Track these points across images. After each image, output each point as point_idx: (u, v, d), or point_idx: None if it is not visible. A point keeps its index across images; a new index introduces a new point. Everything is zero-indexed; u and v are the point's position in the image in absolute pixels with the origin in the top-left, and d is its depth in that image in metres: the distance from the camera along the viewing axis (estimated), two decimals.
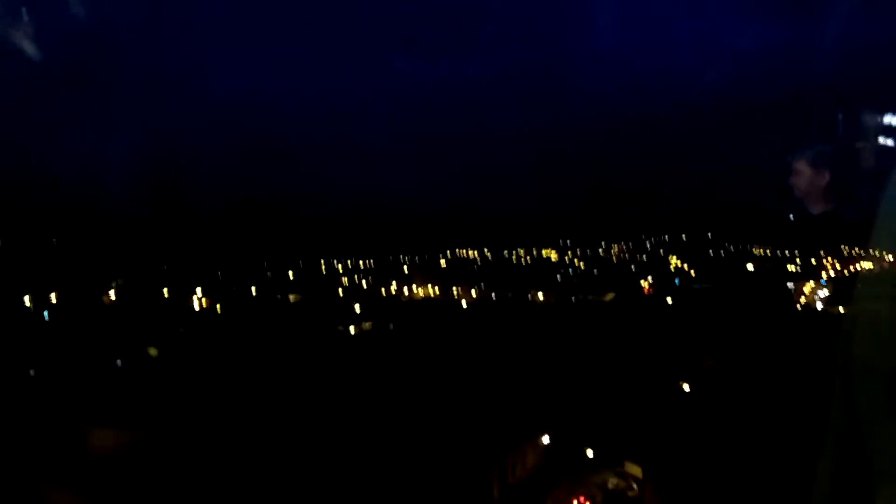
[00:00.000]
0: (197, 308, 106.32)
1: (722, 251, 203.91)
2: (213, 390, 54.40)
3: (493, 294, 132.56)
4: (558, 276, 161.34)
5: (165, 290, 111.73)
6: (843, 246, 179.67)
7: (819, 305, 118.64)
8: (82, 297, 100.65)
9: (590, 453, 46.76)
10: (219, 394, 53.01)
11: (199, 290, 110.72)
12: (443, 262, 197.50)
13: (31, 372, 62.58)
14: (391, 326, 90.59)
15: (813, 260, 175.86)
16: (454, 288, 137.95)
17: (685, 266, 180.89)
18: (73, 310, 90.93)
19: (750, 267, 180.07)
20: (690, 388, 59.68)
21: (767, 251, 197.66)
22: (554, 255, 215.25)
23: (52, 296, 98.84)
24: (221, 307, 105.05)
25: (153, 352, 71.86)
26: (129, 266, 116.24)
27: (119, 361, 67.32)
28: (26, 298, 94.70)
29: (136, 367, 66.20)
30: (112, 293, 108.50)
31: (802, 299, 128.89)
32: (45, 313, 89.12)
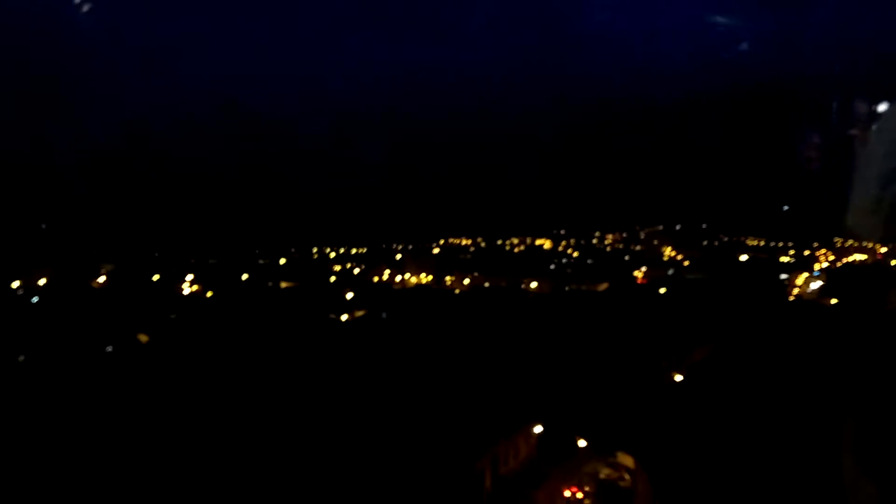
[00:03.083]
0: (188, 294, 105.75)
1: (716, 242, 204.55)
2: (203, 377, 54.14)
3: (486, 283, 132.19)
4: (552, 265, 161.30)
5: (156, 275, 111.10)
6: (836, 238, 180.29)
7: (811, 297, 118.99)
8: (72, 281, 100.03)
9: (582, 443, 46.71)
10: (208, 381, 52.76)
11: (190, 276, 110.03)
12: (436, 249, 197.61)
13: (20, 357, 62.02)
14: (383, 315, 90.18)
15: (806, 251, 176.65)
16: (447, 276, 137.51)
17: (679, 256, 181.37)
18: (63, 294, 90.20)
19: (744, 257, 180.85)
20: (682, 378, 59.76)
21: (761, 242, 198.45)
22: (548, 244, 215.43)
23: (41, 281, 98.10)
24: (213, 294, 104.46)
25: (143, 338, 71.24)
26: (119, 250, 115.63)
27: (109, 347, 66.70)
28: (15, 283, 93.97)
29: (126, 354, 65.61)
30: (102, 278, 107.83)
31: (795, 290, 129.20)
32: (34, 298, 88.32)
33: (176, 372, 56.96)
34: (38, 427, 41.04)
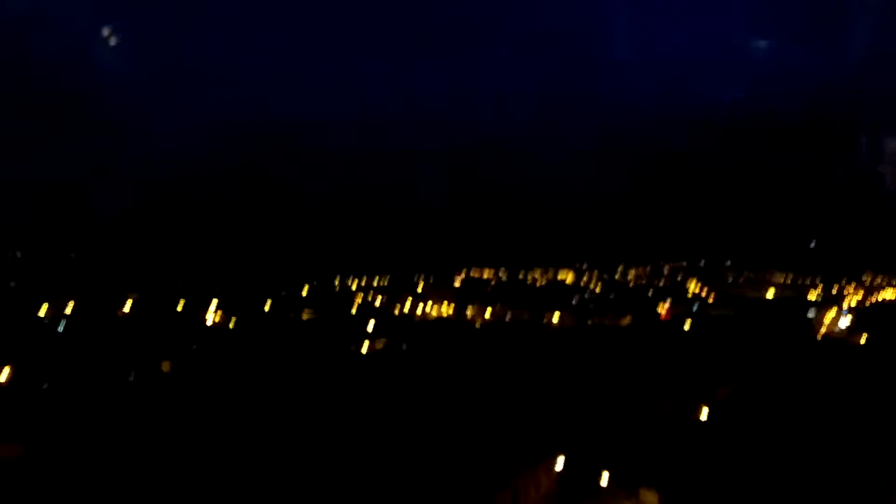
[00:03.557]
0: (210, 323, 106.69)
1: (741, 279, 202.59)
2: (225, 407, 54.44)
3: (507, 315, 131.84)
4: (574, 299, 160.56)
5: (180, 304, 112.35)
6: (865, 274, 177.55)
7: (840, 335, 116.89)
8: (98, 309, 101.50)
9: (605, 478, 46.01)
10: (229, 410, 53.05)
11: (213, 305, 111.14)
12: (457, 281, 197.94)
13: (45, 385, 62.87)
14: (404, 346, 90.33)
15: (834, 288, 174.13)
16: (468, 308, 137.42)
17: (703, 292, 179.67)
18: (88, 322, 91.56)
19: (770, 294, 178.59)
20: (708, 415, 58.83)
21: (788, 278, 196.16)
22: (570, 278, 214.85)
23: (68, 308, 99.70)
24: (235, 323, 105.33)
25: (166, 366, 72.02)
26: (144, 279, 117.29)
27: (132, 375, 67.44)
28: (42, 310, 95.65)
29: (148, 382, 66.31)
30: (127, 307, 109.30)
31: (823, 328, 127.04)
32: (61, 326, 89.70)
33: (197, 401, 57.36)
34: (60, 453, 41.42)
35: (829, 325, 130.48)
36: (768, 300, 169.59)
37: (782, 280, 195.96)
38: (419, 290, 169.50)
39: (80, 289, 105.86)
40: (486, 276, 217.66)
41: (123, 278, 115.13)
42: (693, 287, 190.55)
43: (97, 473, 37.29)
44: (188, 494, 34.30)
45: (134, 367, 69.31)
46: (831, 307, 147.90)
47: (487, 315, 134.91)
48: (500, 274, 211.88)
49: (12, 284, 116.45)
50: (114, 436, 45.29)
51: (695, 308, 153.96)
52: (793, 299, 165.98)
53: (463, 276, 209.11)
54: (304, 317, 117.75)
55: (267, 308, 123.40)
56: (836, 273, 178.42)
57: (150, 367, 70.75)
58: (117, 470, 37.98)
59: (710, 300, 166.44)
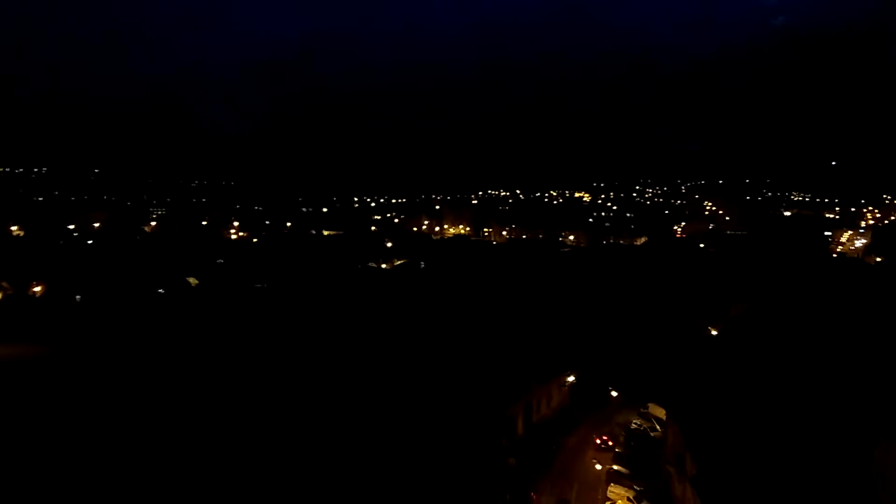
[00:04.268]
0: (234, 239, 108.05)
1: (759, 197, 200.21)
2: (248, 321, 55.92)
3: (523, 234, 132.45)
4: (590, 218, 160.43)
5: (204, 221, 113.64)
6: (884, 195, 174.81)
7: (855, 253, 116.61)
8: (124, 225, 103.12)
9: (614, 394, 47.64)
10: (253, 326, 54.51)
11: (236, 223, 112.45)
12: (474, 200, 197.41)
13: (77, 297, 64.75)
14: (422, 264, 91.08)
15: (852, 208, 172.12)
16: (485, 227, 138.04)
17: (720, 211, 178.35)
18: (116, 238, 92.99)
19: (787, 213, 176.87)
20: (718, 332, 59.75)
21: (807, 197, 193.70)
22: (587, 197, 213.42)
23: (96, 224, 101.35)
24: (257, 240, 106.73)
25: (193, 281, 73.35)
26: (170, 196, 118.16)
27: (161, 290, 68.96)
28: (71, 226, 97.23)
29: (176, 296, 67.67)
30: (153, 223, 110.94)
31: (839, 248, 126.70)
32: (89, 241, 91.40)
33: (222, 315, 58.81)
34: (93, 365, 43.23)
35: (845, 244, 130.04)
36: (786, 218, 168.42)
37: (800, 199, 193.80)
38: (436, 208, 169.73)
39: (108, 204, 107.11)
40: (502, 194, 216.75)
41: (148, 194, 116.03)
42: (710, 206, 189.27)
43: (134, 384, 39.20)
44: (222, 406, 36.00)
45: (163, 281, 71.00)
46: (848, 227, 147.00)
47: (504, 233, 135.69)
48: (517, 193, 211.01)
49: (40, 199, 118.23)
50: (143, 348, 47.17)
51: (711, 227, 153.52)
52: (810, 218, 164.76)
53: (480, 194, 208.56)
54: (325, 234, 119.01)
55: (288, 225, 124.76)
56: (856, 193, 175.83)
57: (178, 281, 72.32)
58: (152, 381, 39.85)
59: (727, 219, 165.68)
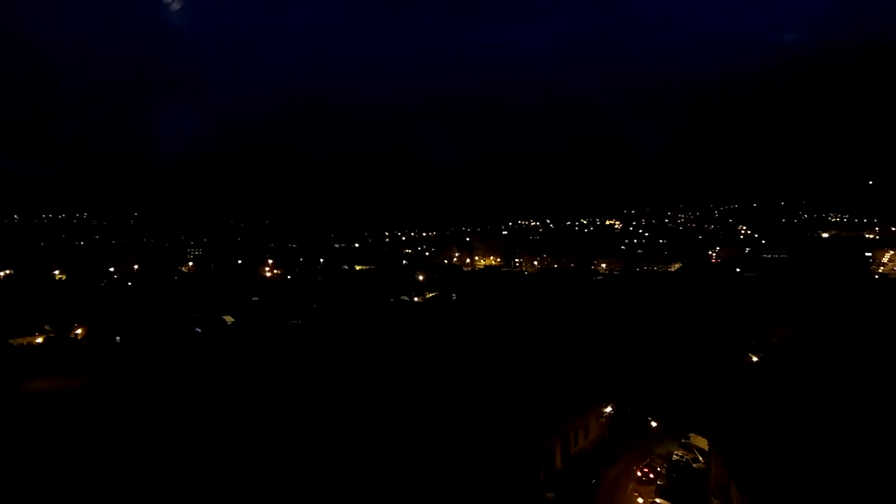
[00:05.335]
0: (269, 277, 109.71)
1: (795, 219, 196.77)
2: (283, 356, 56.51)
3: (555, 263, 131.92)
4: (623, 245, 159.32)
5: (239, 260, 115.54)
6: None
7: None
8: (162, 266, 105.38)
9: (654, 424, 46.65)
10: (288, 360, 55.07)
11: (270, 261, 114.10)
12: (504, 231, 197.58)
13: (117, 338, 66.29)
14: (454, 296, 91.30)
15: (893, 227, 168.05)
16: (516, 257, 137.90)
17: (755, 235, 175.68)
18: (155, 279, 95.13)
19: (825, 235, 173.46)
20: (760, 359, 58.48)
21: (845, 218, 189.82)
22: (618, 224, 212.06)
23: (135, 266, 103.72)
24: (292, 277, 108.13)
25: (229, 319, 74.59)
26: (206, 236, 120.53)
27: (198, 329, 70.26)
28: (111, 269, 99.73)
29: (213, 334, 68.88)
30: (191, 262, 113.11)
31: (881, 269, 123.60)
32: (129, 283, 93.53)
33: (259, 350, 59.55)
34: (132, 404, 44.07)
35: (887, 265, 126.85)
36: (824, 239, 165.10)
37: (838, 220, 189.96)
38: (467, 240, 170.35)
39: (145, 247, 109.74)
40: (533, 224, 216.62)
41: (185, 235, 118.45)
42: (744, 230, 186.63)
43: (171, 422, 39.80)
44: (259, 433, 36.37)
45: (200, 320, 72.40)
46: (890, 247, 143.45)
47: (535, 263, 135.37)
48: (548, 222, 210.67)
49: (81, 243, 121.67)
50: (182, 386, 47.96)
51: (746, 250, 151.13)
52: (849, 239, 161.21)
53: (510, 225, 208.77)
54: (358, 269, 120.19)
55: (321, 261, 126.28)
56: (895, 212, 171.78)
57: (215, 320, 73.62)
58: (187, 416, 40.45)
59: (763, 242, 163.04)
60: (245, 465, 33.30)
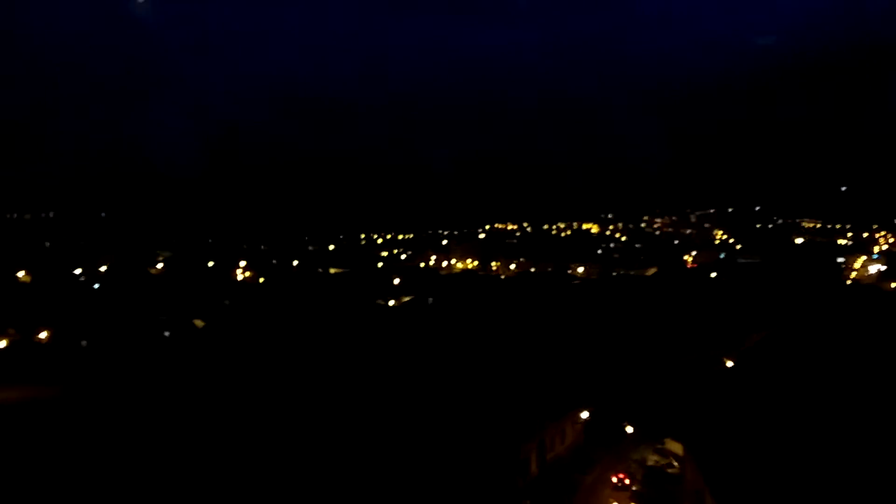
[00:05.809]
0: (241, 280, 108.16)
1: (770, 224, 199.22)
2: (256, 361, 55.51)
3: (532, 268, 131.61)
4: (599, 249, 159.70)
5: (210, 262, 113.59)
6: None
7: (870, 280, 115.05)
8: (131, 268, 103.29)
9: (629, 430, 46.37)
10: (260, 365, 54.11)
11: (242, 262, 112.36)
12: (481, 235, 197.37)
13: (83, 343, 64.64)
14: (430, 300, 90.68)
15: (865, 234, 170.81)
16: (493, 261, 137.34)
17: (731, 240, 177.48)
18: (123, 281, 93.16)
19: (799, 240, 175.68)
20: (734, 364, 58.60)
21: (817, 224, 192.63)
22: (595, 229, 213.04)
23: (102, 267, 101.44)
24: (264, 280, 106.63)
25: (199, 323, 73.19)
26: (175, 237, 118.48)
27: (167, 332, 68.81)
28: (77, 270, 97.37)
29: (182, 338, 67.55)
30: (160, 265, 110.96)
31: (853, 274, 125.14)
32: (96, 285, 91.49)
33: (229, 355, 58.49)
34: (100, 407, 42.87)
35: (859, 270, 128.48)
36: (798, 245, 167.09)
37: (811, 226, 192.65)
38: (443, 243, 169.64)
39: (114, 247, 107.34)
40: (510, 228, 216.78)
41: (155, 237, 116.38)
42: (720, 235, 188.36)
43: (137, 426, 38.69)
44: (226, 442, 35.45)
45: (169, 324, 70.81)
46: (862, 253, 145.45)
47: (512, 267, 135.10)
48: (525, 226, 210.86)
49: (47, 244, 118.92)
50: (150, 391, 46.81)
51: (722, 256, 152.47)
52: (822, 245, 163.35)
53: (487, 228, 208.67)
54: (332, 272, 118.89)
55: (295, 264, 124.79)
56: (868, 219, 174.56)
57: (184, 323, 72.08)
58: (155, 421, 39.35)
59: (738, 247, 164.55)
60: (217, 472, 32.45)
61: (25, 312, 70.47)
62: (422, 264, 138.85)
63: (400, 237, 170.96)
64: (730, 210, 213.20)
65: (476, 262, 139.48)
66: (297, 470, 33.08)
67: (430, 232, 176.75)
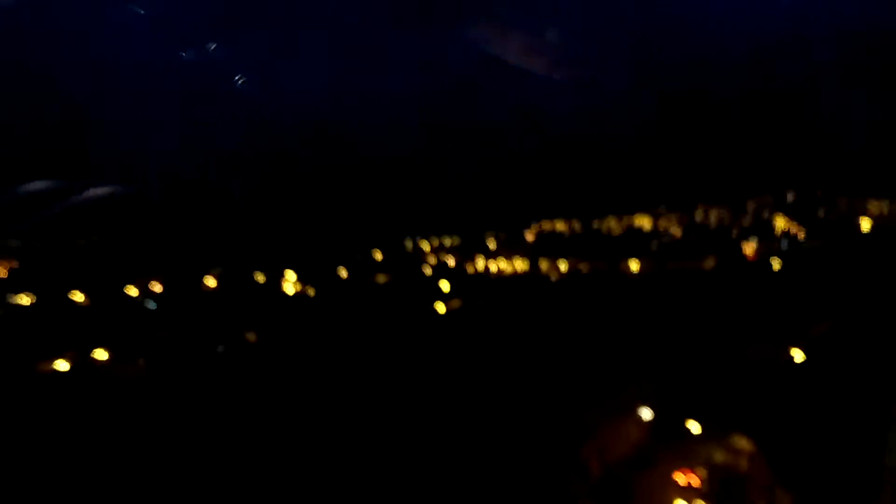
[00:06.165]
0: (290, 293, 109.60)
1: (833, 210, 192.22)
2: (309, 375, 55.99)
3: (583, 266, 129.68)
4: (653, 244, 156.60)
5: (259, 275, 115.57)
6: None
7: None
8: (183, 285, 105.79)
9: (694, 427, 44.86)
10: (314, 378, 54.51)
11: (291, 275, 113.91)
12: (529, 235, 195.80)
13: (140, 361, 66.29)
14: (480, 304, 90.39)
15: None
16: (542, 261, 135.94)
17: (791, 228, 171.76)
18: (176, 298, 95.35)
19: (865, 224, 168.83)
20: (801, 355, 56.52)
21: (885, 207, 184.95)
22: (648, 222, 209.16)
23: (157, 287, 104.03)
24: (314, 291, 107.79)
25: (251, 337, 74.41)
26: (224, 253, 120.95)
27: (220, 347, 70.10)
28: (132, 290, 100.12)
29: (236, 353, 68.80)
30: (212, 281, 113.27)
31: None
32: (152, 304, 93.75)
33: (283, 369, 59.17)
34: (158, 427, 43.51)
35: None
36: (864, 229, 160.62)
37: (879, 210, 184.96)
38: (491, 247, 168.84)
39: (164, 267, 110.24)
40: (559, 228, 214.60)
41: (203, 253, 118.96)
42: (781, 223, 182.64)
43: (195, 444, 39.09)
44: (283, 458, 35.49)
45: (221, 338, 72.11)
46: None
47: (563, 268, 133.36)
48: (574, 225, 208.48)
49: (98, 265, 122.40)
50: (208, 407, 47.40)
51: (784, 245, 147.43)
52: (891, 229, 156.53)
53: (536, 229, 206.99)
54: (380, 280, 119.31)
55: (343, 274, 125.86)
56: None
57: (237, 337, 73.32)
58: (213, 439, 39.69)
59: (801, 236, 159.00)
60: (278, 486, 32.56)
61: (83, 334, 72.70)
62: (470, 268, 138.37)
63: (447, 242, 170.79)
64: (789, 197, 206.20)
65: (525, 263, 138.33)
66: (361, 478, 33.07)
67: (476, 235, 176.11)
